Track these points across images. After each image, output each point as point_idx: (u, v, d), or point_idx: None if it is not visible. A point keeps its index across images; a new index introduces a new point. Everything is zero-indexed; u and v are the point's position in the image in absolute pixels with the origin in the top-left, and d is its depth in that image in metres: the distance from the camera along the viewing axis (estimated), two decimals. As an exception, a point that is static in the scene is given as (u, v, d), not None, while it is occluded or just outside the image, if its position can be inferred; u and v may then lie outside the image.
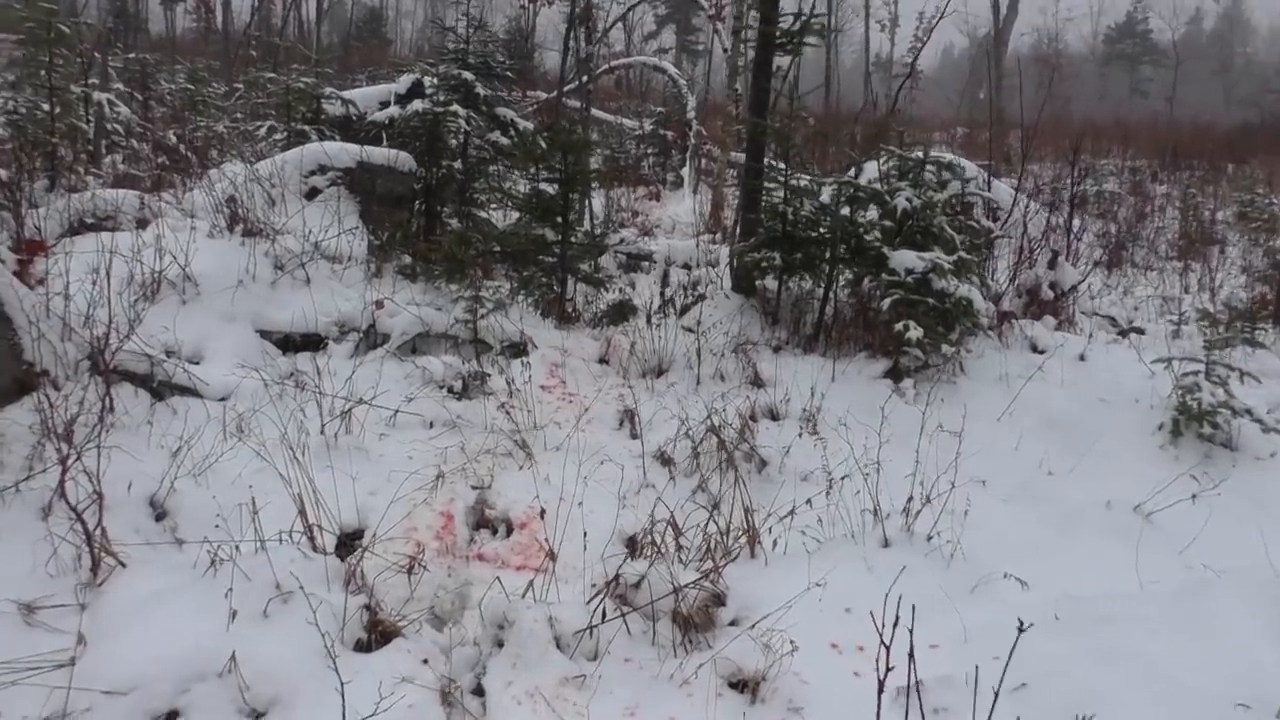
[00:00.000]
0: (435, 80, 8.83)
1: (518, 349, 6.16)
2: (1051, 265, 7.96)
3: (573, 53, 12.01)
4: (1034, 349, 6.76)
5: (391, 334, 5.97)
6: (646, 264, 9.81)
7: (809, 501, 4.22)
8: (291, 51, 12.66)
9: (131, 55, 17.07)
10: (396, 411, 5.02)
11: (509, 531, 4.03)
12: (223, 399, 4.93)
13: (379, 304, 5.99)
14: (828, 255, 6.38)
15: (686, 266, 9.62)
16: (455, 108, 8.49)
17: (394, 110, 9.51)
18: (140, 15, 30.06)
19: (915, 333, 5.58)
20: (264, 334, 5.70)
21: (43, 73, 8.62)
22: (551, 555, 3.37)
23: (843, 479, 4.38)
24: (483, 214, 8.24)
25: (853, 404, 5.50)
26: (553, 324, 6.71)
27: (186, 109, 13.50)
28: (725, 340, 6.17)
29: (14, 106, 9.29)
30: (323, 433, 4.60)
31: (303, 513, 3.43)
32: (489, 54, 8.89)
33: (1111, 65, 59.67)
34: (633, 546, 4.01)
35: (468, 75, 8.57)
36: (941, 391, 5.81)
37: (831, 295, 6.46)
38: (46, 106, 8.56)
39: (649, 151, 15.84)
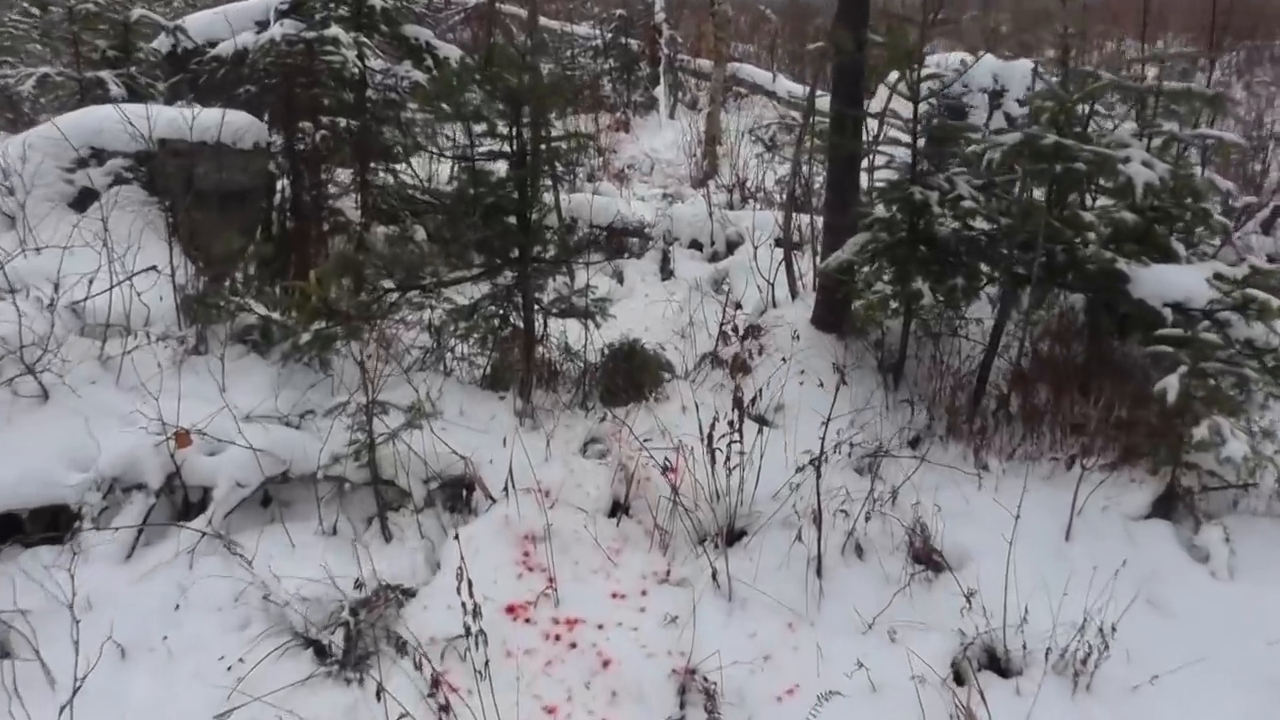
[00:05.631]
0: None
1: (456, 493, 3.34)
2: (1268, 229, 5.23)
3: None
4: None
5: (215, 489, 3.12)
6: (636, 242, 6.90)
7: None
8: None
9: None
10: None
11: None
12: None
13: (180, 438, 3.10)
14: (1004, 270, 3.57)
15: (697, 245, 6.72)
16: (336, 31, 5.48)
17: (248, 37, 6.38)
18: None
19: (1238, 447, 2.83)
20: (-55, 527, 2.83)
21: None
22: None
23: None
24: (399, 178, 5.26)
25: (1121, 592, 2.79)
26: (512, 404, 3.87)
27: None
28: (846, 448, 3.35)
29: None
30: None
31: None
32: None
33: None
34: None
35: (356, -21, 5.52)
36: (1260, 541, 3.12)
37: (1014, 340, 3.68)
38: None
39: (609, 67, 12.59)
